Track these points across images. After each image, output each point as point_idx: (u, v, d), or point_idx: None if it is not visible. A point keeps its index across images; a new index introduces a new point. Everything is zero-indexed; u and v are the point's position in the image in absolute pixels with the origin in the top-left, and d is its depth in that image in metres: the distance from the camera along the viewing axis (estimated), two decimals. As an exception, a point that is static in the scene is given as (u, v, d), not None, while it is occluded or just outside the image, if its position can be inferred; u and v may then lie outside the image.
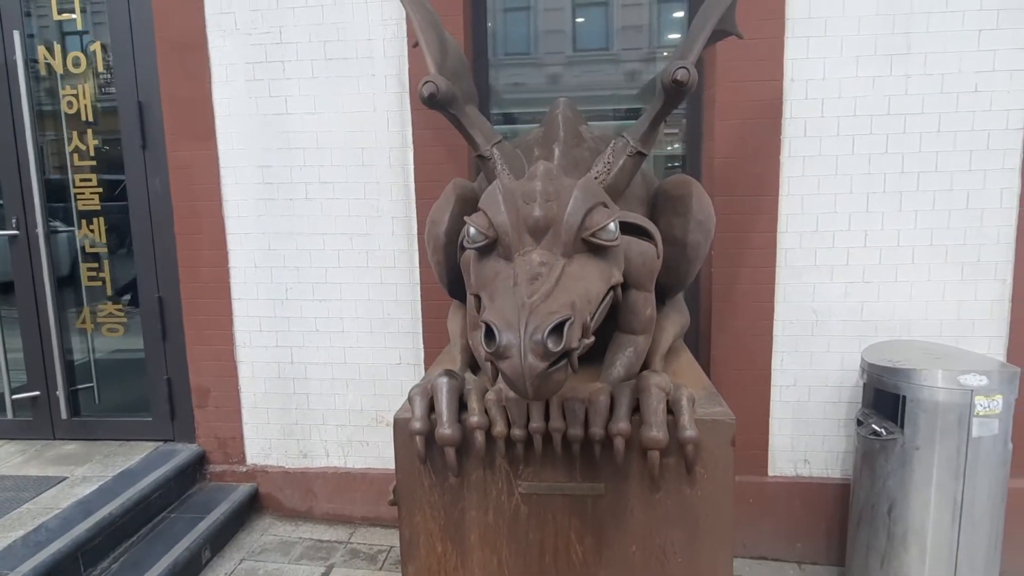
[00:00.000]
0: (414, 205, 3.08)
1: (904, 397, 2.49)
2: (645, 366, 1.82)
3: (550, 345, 1.24)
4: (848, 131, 2.85)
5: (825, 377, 3.01)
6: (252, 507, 3.34)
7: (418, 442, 1.60)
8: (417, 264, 3.12)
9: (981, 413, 2.40)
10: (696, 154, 3.10)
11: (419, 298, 3.14)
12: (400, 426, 1.69)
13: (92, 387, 3.54)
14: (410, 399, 1.66)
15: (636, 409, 1.56)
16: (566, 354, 1.28)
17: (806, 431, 3.07)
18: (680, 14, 3.19)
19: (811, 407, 3.05)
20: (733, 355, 3.02)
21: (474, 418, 1.57)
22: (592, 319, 1.43)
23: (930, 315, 2.92)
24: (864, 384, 2.77)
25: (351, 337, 3.22)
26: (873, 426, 2.62)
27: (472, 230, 1.53)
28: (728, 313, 3.01)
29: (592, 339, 1.39)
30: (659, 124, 1.89)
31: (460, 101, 1.98)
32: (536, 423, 1.56)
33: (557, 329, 1.26)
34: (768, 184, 2.90)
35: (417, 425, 1.59)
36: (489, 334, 1.28)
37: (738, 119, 2.88)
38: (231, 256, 3.23)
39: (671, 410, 1.57)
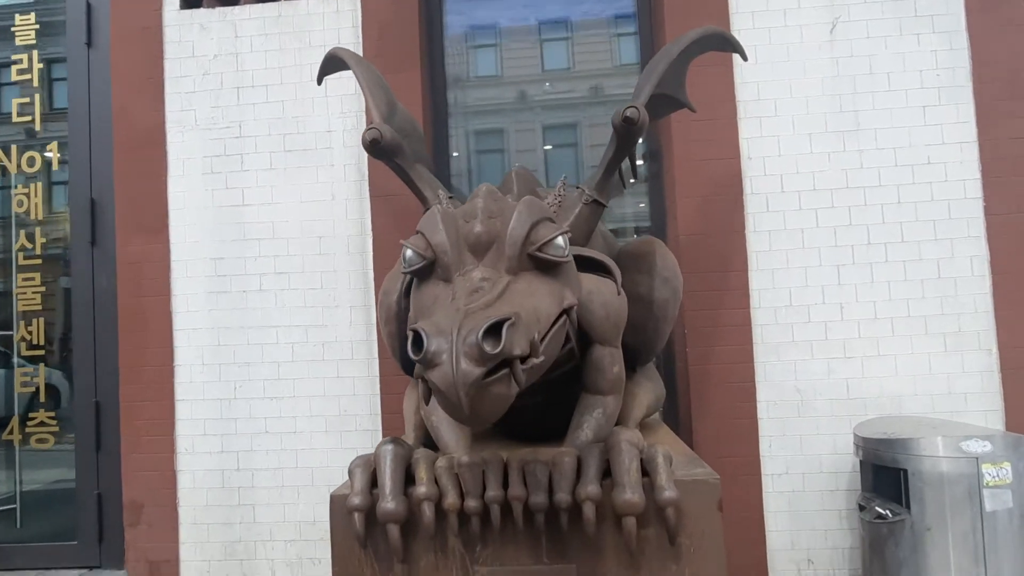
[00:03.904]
0: (373, 293, 2.95)
1: (905, 471, 2.27)
2: (616, 433, 1.65)
3: (486, 347, 1.09)
4: (810, 205, 2.85)
5: (819, 463, 2.79)
6: (183, 645, 2.89)
7: (357, 520, 1.40)
8: (376, 355, 2.95)
9: (991, 483, 2.18)
10: (661, 234, 3.05)
11: (379, 391, 2.94)
12: (337, 504, 1.49)
13: (15, 509, 3.18)
14: (350, 472, 1.47)
15: (607, 474, 1.39)
16: (507, 364, 1.12)
17: (805, 525, 2.79)
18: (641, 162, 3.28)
19: (807, 497, 2.79)
20: (717, 441, 2.80)
21: (422, 488, 1.37)
22: (543, 341, 1.27)
23: (919, 390, 2.77)
24: (861, 463, 2.56)
25: (304, 438, 2.97)
26: (877, 509, 2.37)
27: (408, 252, 1.40)
28: (707, 395, 2.83)
29: (542, 358, 1.24)
30: (613, 171, 1.86)
31: (407, 154, 1.94)
32: (493, 492, 1.37)
33: (495, 332, 1.11)
34: (736, 259, 2.85)
35: (356, 500, 1.40)
36: (417, 342, 1.13)
37: (699, 196, 2.87)
38: (177, 353, 3.04)
39: (646, 472, 1.39)
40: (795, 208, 2.85)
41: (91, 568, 3.06)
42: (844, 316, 2.81)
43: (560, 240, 1.39)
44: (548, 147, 3.41)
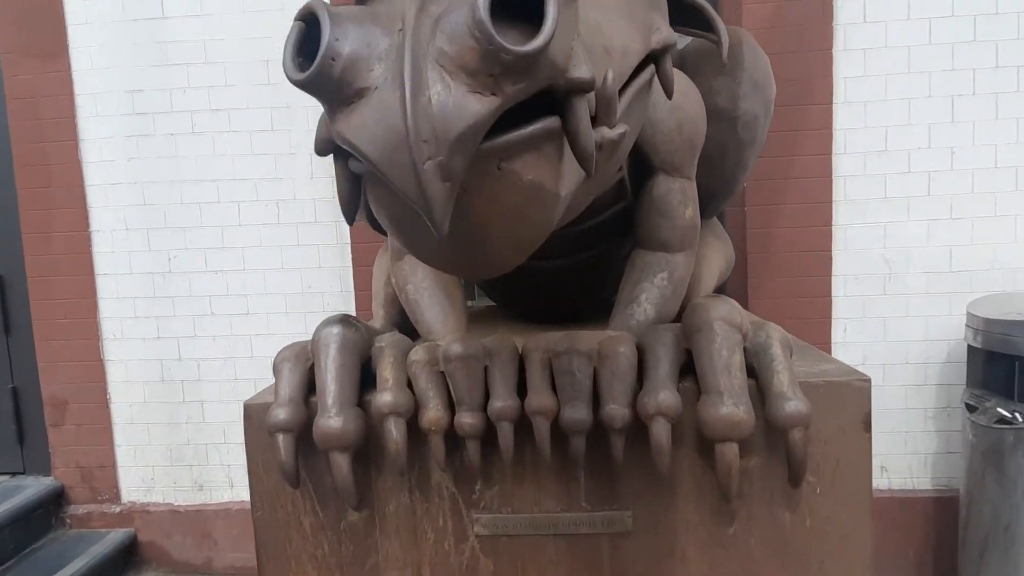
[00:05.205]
0: (339, 136, 2.28)
1: (1050, 362, 1.70)
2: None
3: (500, 39, 0.48)
4: (922, 13, 2.16)
5: (905, 352, 2.25)
6: (128, 561, 2.51)
7: (281, 446, 0.89)
8: (346, 217, 2.31)
9: None
10: (716, 58, 2.36)
11: (350, 263, 2.38)
12: (253, 418, 0.99)
13: (-81, 406, 2.66)
14: (275, 369, 0.96)
15: (685, 370, 0.91)
16: (560, 104, 0.54)
17: (881, 427, 2.26)
18: None
19: (887, 394, 2.26)
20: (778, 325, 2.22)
21: (385, 396, 0.88)
22: (623, 96, 0.67)
23: (1043, 260, 2.17)
24: (971, 351, 2.00)
25: (259, 321, 2.43)
26: (999, 411, 1.82)
27: None
28: (769, 267, 2.26)
29: (622, 130, 0.64)
30: None
31: None
32: (502, 401, 0.87)
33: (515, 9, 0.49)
34: (818, 89, 2.19)
35: (281, 415, 0.90)
36: (305, 43, 0.53)
37: (774, 2, 2.15)
38: (93, 216, 2.44)
39: (751, 369, 0.89)
40: (902, 18, 2.16)
41: (13, 475, 2.59)
42: (955, 164, 2.19)
43: None
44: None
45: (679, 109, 1.06)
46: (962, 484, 2.03)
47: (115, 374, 2.48)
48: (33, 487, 2.48)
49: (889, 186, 2.19)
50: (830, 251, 2.22)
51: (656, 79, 0.81)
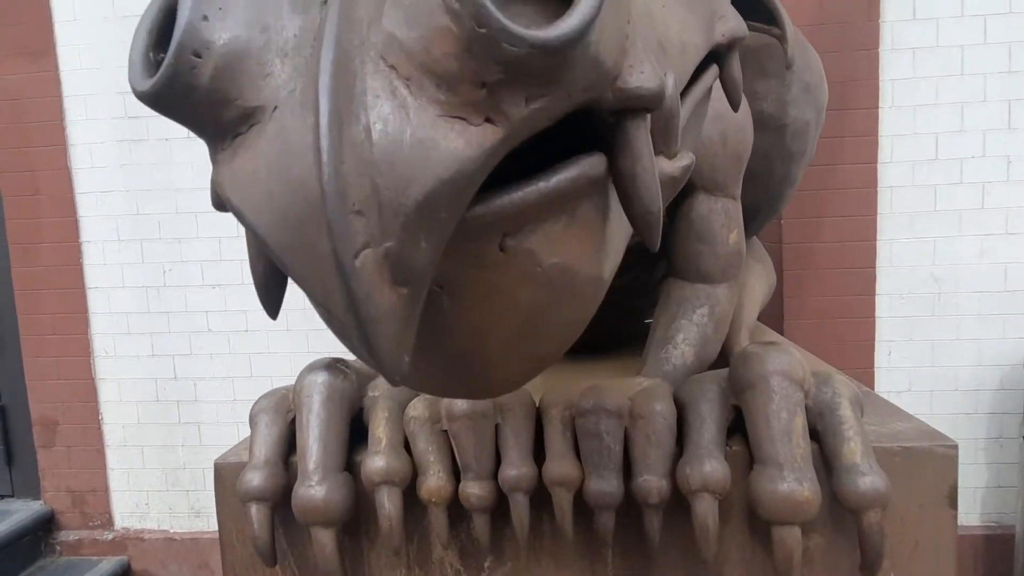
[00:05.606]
0: (344, 142, 2.14)
1: None
2: (725, 348, 0.98)
3: (506, 19, 0.27)
4: (976, 10, 2.00)
5: (955, 378, 2.11)
6: (121, 591, 2.38)
7: (254, 518, 0.76)
8: (351, 228, 2.17)
9: None
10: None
11: None
12: (226, 479, 0.86)
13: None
14: (252, 423, 0.83)
15: (733, 429, 0.78)
16: (593, 131, 0.35)
17: (927, 458, 2.10)
18: None
19: (934, 423, 2.01)
20: (817, 349, 2.04)
21: (377, 460, 0.76)
22: (683, 102, 0.49)
23: (1107, 280, 2.01)
24: (1033, 382, 1.82)
25: (259, 338, 2.29)
26: (1066, 447, 1.65)
27: None
28: (807, 285, 2.11)
29: (687, 163, 0.48)
30: None
31: None
32: (515, 469, 0.75)
33: None
34: (863, 91, 2.04)
35: (255, 480, 0.77)
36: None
37: (815, -3, 1.99)
38: (83, 226, 2.31)
39: (813, 430, 0.74)
40: (954, 15, 2.00)
41: (1, 498, 2.46)
42: (1011, 175, 2.04)
43: None
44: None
45: (722, 118, 0.91)
46: (1019, 522, 1.88)
47: (107, 393, 2.36)
48: (21, 512, 2.36)
49: (939, 198, 2.04)
50: (874, 268, 2.08)
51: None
